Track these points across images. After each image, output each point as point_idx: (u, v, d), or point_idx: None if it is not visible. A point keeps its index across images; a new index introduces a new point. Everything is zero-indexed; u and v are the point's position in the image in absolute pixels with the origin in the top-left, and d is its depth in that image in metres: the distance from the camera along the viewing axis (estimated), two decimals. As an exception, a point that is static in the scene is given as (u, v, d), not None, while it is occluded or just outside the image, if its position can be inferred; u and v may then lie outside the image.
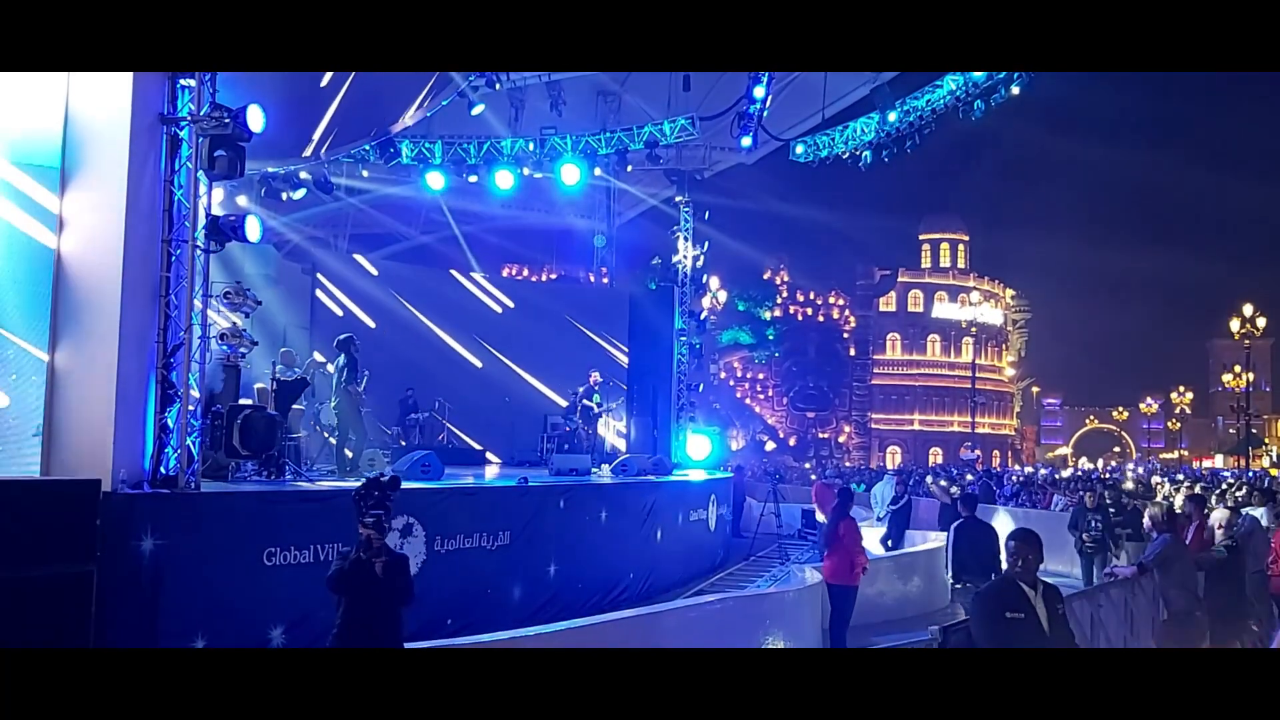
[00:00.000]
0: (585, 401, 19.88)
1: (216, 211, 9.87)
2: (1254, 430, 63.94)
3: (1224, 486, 23.45)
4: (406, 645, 8.03)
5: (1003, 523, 16.93)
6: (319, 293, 21.15)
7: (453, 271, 24.86)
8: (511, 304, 24.61)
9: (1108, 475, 37.48)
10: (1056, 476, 36.00)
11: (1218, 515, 10.26)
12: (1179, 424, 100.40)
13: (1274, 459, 75.10)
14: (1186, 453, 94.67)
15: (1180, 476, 33.57)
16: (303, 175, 19.62)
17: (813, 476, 35.11)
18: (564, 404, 21.44)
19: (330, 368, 13.46)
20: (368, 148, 19.88)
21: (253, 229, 9.67)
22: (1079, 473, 43.97)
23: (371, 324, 21.06)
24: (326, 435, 14.84)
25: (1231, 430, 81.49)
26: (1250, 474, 41.32)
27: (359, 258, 23.50)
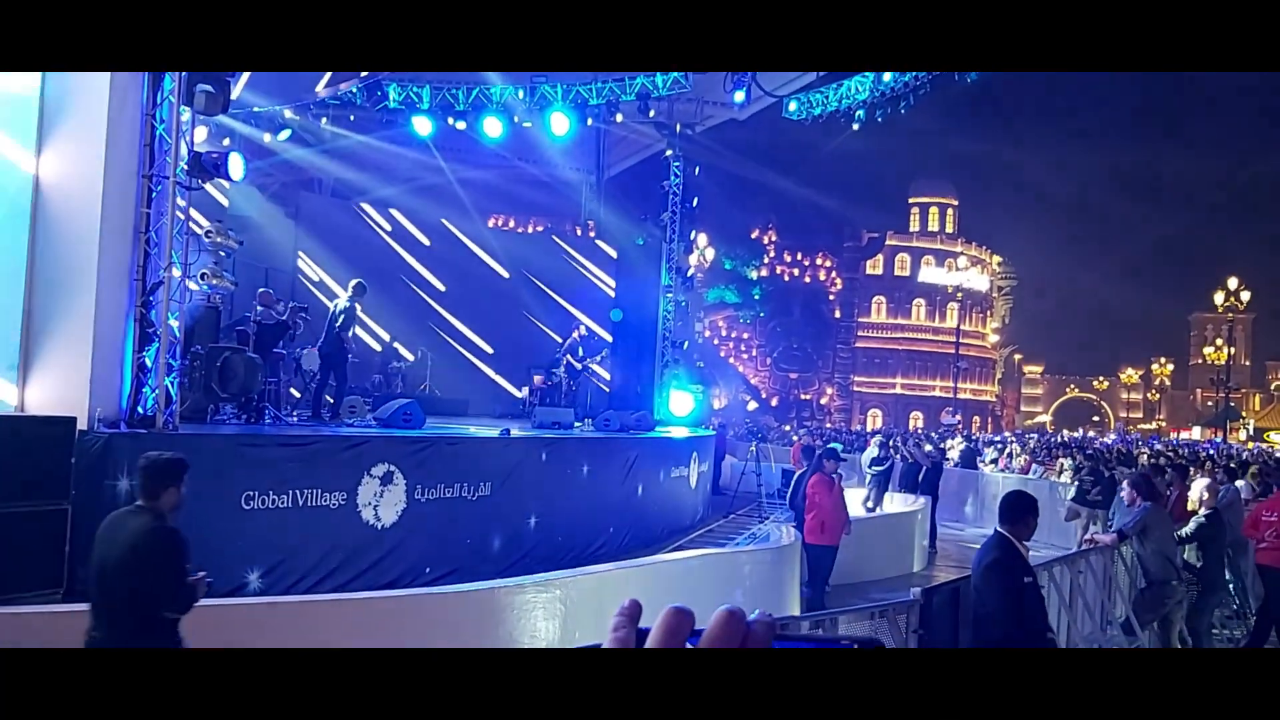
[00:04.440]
0: (569, 357, 19.79)
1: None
2: (1232, 404, 64.57)
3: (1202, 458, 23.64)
4: (387, 593, 8.02)
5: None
6: (302, 235, 20.88)
7: (441, 220, 24.61)
8: (497, 254, 24.40)
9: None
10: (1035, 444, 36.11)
11: (1199, 484, 10.26)
12: (1158, 395, 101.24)
13: (1250, 432, 75.87)
14: (1164, 423, 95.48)
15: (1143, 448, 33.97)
16: (287, 114, 19.30)
17: (794, 437, 35.19)
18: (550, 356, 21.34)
19: (336, 304, 13.38)
20: (355, 90, 19.55)
21: (236, 166, 9.50)
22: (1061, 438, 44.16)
23: (354, 268, 20.83)
24: (307, 380, 14.72)
25: (1210, 403, 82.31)
26: (1223, 446, 41.68)
27: (343, 201, 23.22)
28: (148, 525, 5.10)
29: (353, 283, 13.69)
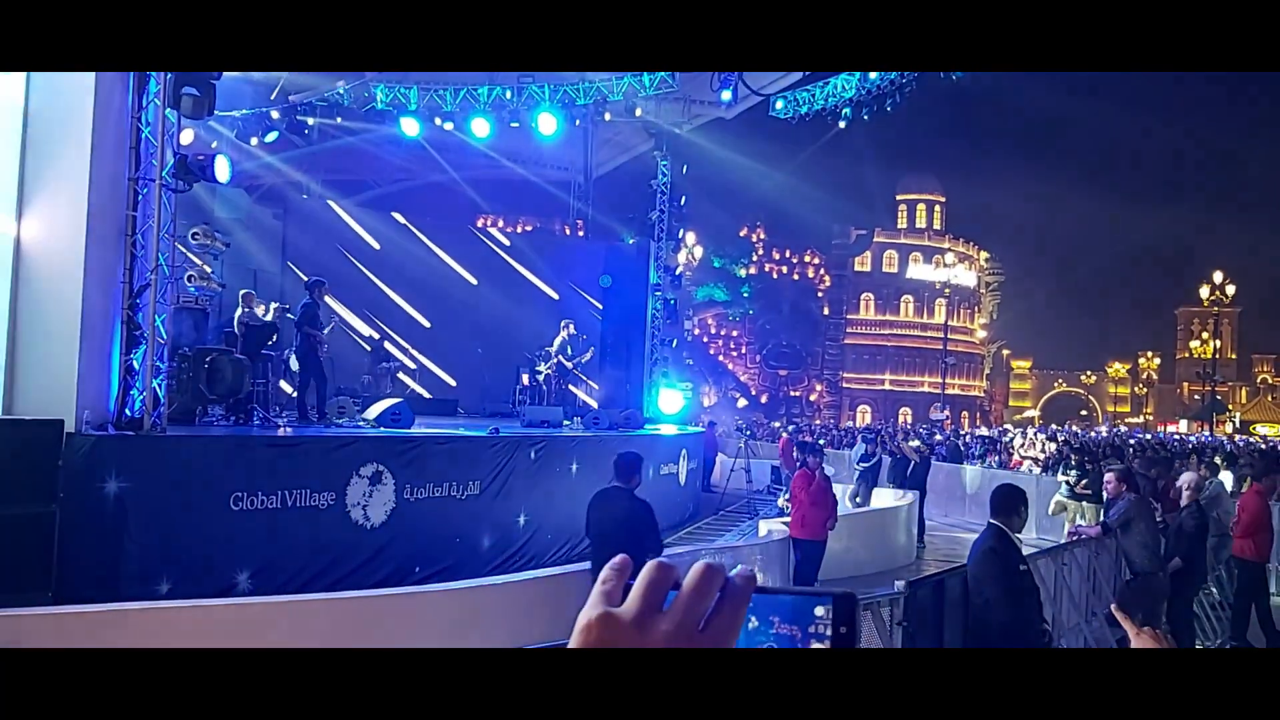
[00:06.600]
0: (559, 356, 19.80)
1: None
2: (1219, 397, 64.88)
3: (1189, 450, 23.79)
4: (376, 592, 8.06)
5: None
6: (289, 237, 20.83)
7: (429, 220, 24.57)
8: (486, 253, 24.37)
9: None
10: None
11: (1186, 477, 10.33)
12: (1145, 389, 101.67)
13: (1236, 426, 76.26)
14: (1152, 417, 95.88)
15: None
16: (274, 115, 19.28)
17: (783, 433, 35.27)
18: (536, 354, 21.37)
19: (297, 304, 13.27)
20: (342, 91, 19.54)
21: (222, 169, 9.51)
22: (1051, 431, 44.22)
23: (342, 270, 20.80)
24: (296, 382, 14.69)
25: (1197, 396, 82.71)
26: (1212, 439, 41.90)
27: (332, 203, 23.17)
28: (630, 500, 7.55)
29: (308, 281, 13.52)
